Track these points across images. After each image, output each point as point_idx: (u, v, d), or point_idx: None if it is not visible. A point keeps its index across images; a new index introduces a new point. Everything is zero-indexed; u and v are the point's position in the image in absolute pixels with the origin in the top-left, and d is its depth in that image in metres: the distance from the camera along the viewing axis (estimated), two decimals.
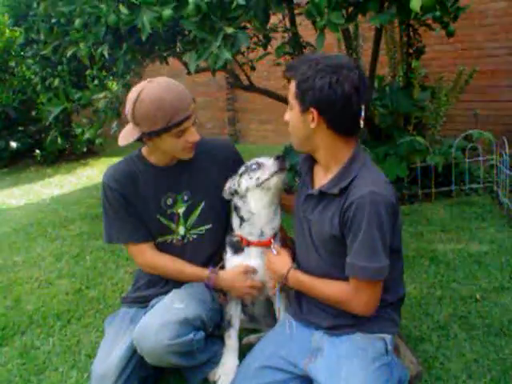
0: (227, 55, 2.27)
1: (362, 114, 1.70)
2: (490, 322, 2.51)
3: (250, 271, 2.16)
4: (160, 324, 1.90)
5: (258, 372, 1.89)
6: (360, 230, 1.66)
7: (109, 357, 2.01)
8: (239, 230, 2.15)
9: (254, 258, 2.15)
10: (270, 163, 2.03)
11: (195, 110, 2.04)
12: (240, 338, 2.40)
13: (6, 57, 7.18)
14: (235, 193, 2.13)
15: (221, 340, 2.23)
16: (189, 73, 4.16)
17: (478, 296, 2.76)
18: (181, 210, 2.19)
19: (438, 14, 2.59)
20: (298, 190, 2.05)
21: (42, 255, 3.99)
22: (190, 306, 2.00)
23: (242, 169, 2.14)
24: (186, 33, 2.91)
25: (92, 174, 7.48)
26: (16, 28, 4.28)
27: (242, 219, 2.13)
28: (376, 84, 5.00)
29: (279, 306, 2.15)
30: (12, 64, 6.92)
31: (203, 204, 2.21)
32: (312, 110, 1.69)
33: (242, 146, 8.30)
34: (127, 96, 2.00)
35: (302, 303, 2.00)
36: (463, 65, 5.17)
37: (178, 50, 3.60)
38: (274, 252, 2.08)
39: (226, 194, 2.17)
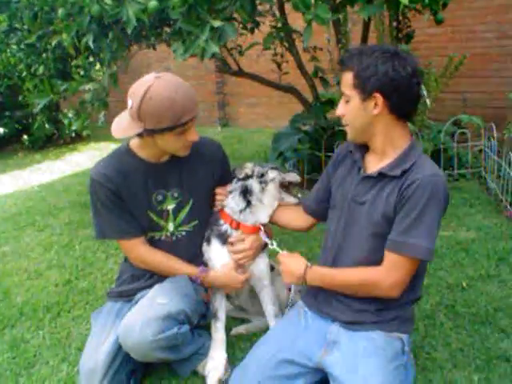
0: (215, 48, 2.24)
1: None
2: (475, 310, 2.55)
3: (238, 267, 2.18)
4: (143, 320, 1.91)
5: (273, 364, 1.88)
6: (416, 207, 1.69)
7: (96, 352, 2.03)
8: (237, 214, 2.17)
9: (240, 242, 2.18)
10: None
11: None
12: (229, 329, 2.43)
13: None
14: (260, 176, 2.17)
15: (207, 331, 2.25)
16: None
17: (464, 284, 2.80)
18: (170, 207, 2.19)
19: (426, 1, 2.56)
20: (339, 180, 2.02)
21: (30, 245, 3.98)
22: (173, 301, 2.01)
23: (272, 164, 2.27)
24: (173, 21, 2.85)
25: (81, 159, 7.41)
26: None
27: (248, 204, 2.17)
28: None
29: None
30: None
31: (192, 201, 2.21)
32: (376, 95, 1.73)
33: (232, 130, 8.28)
34: (132, 88, 1.96)
35: (319, 293, 1.99)
36: (453, 48, 5.16)
37: (165, 36, 3.54)
38: (264, 238, 2.18)
39: (242, 172, 2.18)
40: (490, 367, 2.14)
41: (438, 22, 3.14)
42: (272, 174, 2.20)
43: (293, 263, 1.97)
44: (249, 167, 2.20)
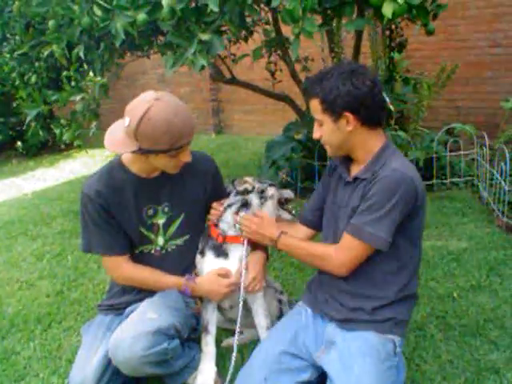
0: (203, 61, 2.25)
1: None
2: (466, 321, 2.55)
3: (223, 273, 2.18)
4: (133, 336, 1.91)
5: (277, 357, 1.93)
6: (372, 197, 1.80)
7: (86, 366, 2.03)
8: (231, 228, 2.17)
9: (233, 257, 2.18)
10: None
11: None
12: (220, 341, 2.42)
13: None
14: (260, 192, 2.19)
15: (198, 344, 2.24)
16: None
17: (455, 295, 2.81)
18: (161, 221, 2.19)
19: (414, 12, 2.58)
20: (331, 189, 2.12)
21: (22, 255, 3.96)
22: (163, 316, 2.01)
23: (270, 181, 2.31)
24: (166, 31, 2.86)
25: (75, 167, 7.41)
26: None
27: None
28: None
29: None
30: None
31: (182, 216, 2.22)
32: (346, 114, 1.82)
33: (226, 137, 8.29)
34: (129, 107, 1.96)
35: (318, 293, 2.07)
36: (446, 56, 5.18)
37: (157, 46, 3.55)
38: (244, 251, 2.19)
39: (242, 186, 2.19)
40: (480, 379, 2.14)
41: (429, 33, 3.15)
42: (271, 191, 2.23)
43: (267, 226, 2.08)
44: (249, 182, 2.21)
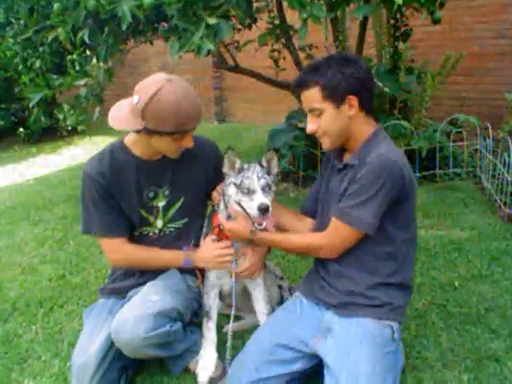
0: (210, 45, 2.24)
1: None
2: (467, 310, 2.56)
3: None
4: (136, 317, 1.92)
5: (270, 348, 1.96)
6: (358, 181, 1.84)
7: (88, 348, 2.04)
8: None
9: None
10: (255, 210, 1.94)
11: None
12: (221, 327, 2.43)
13: None
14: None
15: (199, 328, 2.25)
16: None
17: (456, 284, 2.82)
18: (161, 204, 2.20)
19: (422, 1, 2.56)
20: (326, 178, 2.14)
21: (24, 240, 3.97)
22: (165, 298, 2.02)
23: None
24: (170, 17, 2.85)
25: (76, 153, 7.40)
26: None
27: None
28: None
29: (235, 303, 2.18)
30: None
31: (182, 199, 2.22)
32: (349, 97, 1.86)
33: (229, 125, 8.26)
34: (141, 84, 1.95)
35: (314, 282, 2.09)
36: (450, 47, 5.15)
37: (161, 32, 3.52)
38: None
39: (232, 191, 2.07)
40: (480, 367, 2.15)
41: (436, 22, 3.13)
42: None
43: (238, 227, 2.03)
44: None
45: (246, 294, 2.42)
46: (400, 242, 1.93)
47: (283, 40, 4.60)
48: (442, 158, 4.54)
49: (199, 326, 2.27)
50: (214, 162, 2.25)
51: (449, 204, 3.99)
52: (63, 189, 5.42)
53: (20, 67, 4.46)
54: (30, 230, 4.20)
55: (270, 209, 1.92)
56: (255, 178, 1.98)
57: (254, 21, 3.98)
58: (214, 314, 2.23)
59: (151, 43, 4.16)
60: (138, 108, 1.91)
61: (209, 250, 2.16)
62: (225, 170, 2.09)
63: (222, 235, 2.14)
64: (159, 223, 2.23)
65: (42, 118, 7.67)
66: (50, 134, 8.51)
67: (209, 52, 2.39)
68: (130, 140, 2.15)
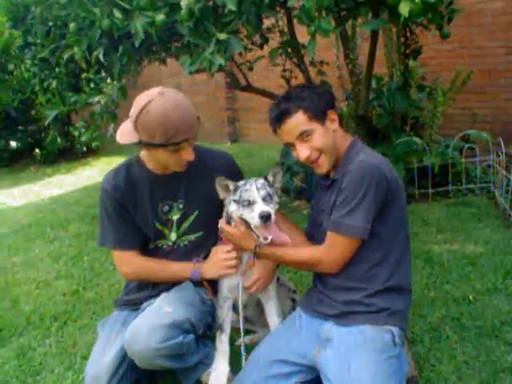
0: (220, 61, 2.29)
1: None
2: (481, 323, 2.53)
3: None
4: (149, 328, 1.93)
5: (267, 365, 1.97)
6: (344, 191, 1.88)
7: (101, 359, 2.05)
8: None
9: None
10: (256, 219, 1.95)
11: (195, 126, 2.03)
12: (234, 340, 2.43)
13: (6, 57, 7.21)
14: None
15: (212, 341, 2.25)
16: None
17: (470, 297, 2.78)
18: (175, 217, 2.22)
19: (429, 15, 2.59)
20: (318, 200, 2.19)
21: (40, 256, 4.02)
22: (178, 310, 2.03)
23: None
24: (182, 36, 2.92)
25: (92, 173, 7.50)
26: (14, 30, 4.30)
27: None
28: (374, 84, 5.01)
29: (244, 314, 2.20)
30: (11, 65, 6.96)
31: (196, 213, 2.24)
32: (329, 112, 1.96)
33: (242, 146, 8.33)
34: (137, 98, 2.00)
35: (313, 296, 2.10)
36: (461, 64, 5.17)
37: (173, 50, 3.60)
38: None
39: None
40: (496, 380, 2.12)
41: (444, 37, 3.15)
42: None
43: (243, 240, 2.06)
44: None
45: (259, 308, 2.43)
46: (393, 244, 1.95)
47: (295, 59, 4.66)
48: (454, 173, 4.52)
49: (212, 338, 2.27)
50: (229, 175, 2.22)
51: (462, 219, 3.96)
52: (78, 207, 5.49)
53: (37, 88, 4.57)
54: (45, 247, 4.25)
55: (273, 217, 1.94)
56: (254, 189, 2.00)
57: (266, 40, 4.05)
58: (227, 327, 2.24)
59: (164, 63, 4.25)
60: (132, 121, 1.96)
61: (213, 255, 2.19)
62: (221, 196, 2.12)
63: (227, 242, 2.17)
64: (173, 236, 2.25)
65: (58, 139, 7.83)
66: (65, 155, 8.65)
67: (220, 67, 2.44)
68: (144, 154, 2.20)
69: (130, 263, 2.22)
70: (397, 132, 4.67)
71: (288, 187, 5.05)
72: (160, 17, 2.38)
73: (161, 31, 2.63)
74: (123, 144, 2.02)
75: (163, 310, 2.03)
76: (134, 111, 1.96)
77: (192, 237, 2.27)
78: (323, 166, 2.00)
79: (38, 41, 3.58)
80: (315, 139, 1.94)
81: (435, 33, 3.16)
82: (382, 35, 4.90)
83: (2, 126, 8.11)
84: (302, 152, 1.96)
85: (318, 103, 1.93)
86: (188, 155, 2.06)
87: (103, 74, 3.79)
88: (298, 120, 1.93)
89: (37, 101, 4.87)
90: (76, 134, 3.81)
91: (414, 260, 3.29)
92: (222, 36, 2.25)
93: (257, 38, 4.30)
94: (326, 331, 1.96)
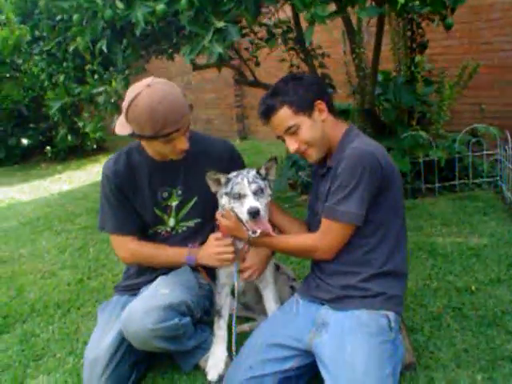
0: (219, 49, 2.30)
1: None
2: (483, 313, 2.51)
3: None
4: (145, 309, 1.95)
5: (264, 348, 1.98)
6: (338, 177, 1.89)
7: (100, 342, 2.08)
8: None
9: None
10: (245, 214, 1.95)
11: (191, 117, 2.05)
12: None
13: (17, 54, 7.29)
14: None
15: (211, 327, 2.27)
16: (194, 68, 4.20)
17: (473, 288, 2.76)
18: (174, 203, 2.25)
19: (428, 1, 2.58)
20: (315, 188, 2.21)
21: (46, 248, 4.08)
22: (175, 292, 2.05)
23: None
24: (183, 28, 2.95)
25: (101, 170, 7.56)
26: (23, 26, 4.35)
27: None
28: (380, 79, 4.99)
29: (236, 283, 2.18)
30: (20, 61, 7.03)
31: (195, 199, 2.26)
32: (317, 102, 1.96)
33: (251, 143, 8.34)
34: (128, 90, 2.01)
35: (311, 281, 2.11)
36: (470, 60, 5.14)
37: (175, 41, 3.61)
38: None
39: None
40: (495, 367, 2.10)
41: (448, 28, 3.14)
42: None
43: (236, 231, 2.07)
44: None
45: (258, 294, 2.44)
46: (389, 230, 1.96)
47: (301, 55, 4.66)
48: (461, 168, 4.49)
49: (210, 324, 2.28)
50: (228, 161, 2.26)
51: (468, 213, 3.93)
52: (86, 202, 5.56)
53: (46, 83, 4.62)
54: (52, 239, 4.31)
55: (262, 213, 1.94)
56: (245, 182, 1.99)
57: (273, 35, 4.06)
58: (225, 313, 2.25)
59: (172, 58, 4.27)
60: (124, 114, 1.98)
61: (210, 246, 2.18)
62: (213, 190, 2.12)
63: (225, 232, 2.16)
64: (172, 222, 2.27)
65: (69, 137, 7.91)
66: (76, 152, 8.74)
67: (220, 57, 2.45)
68: (143, 142, 2.22)
69: (128, 248, 2.24)
70: (403, 126, 4.64)
71: (295, 182, 5.05)
72: (160, 6, 2.41)
73: (162, 22, 2.66)
74: (131, 139, 2.05)
75: (159, 292, 2.05)
76: (124, 104, 1.97)
77: (191, 223, 2.28)
78: (312, 157, 2.03)
79: (45, 34, 3.63)
80: (302, 133, 1.96)
81: (438, 23, 3.15)
82: (389, 30, 4.88)
83: (14, 124, 8.23)
84: (291, 145, 1.99)
85: (304, 95, 1.94)
86: (181, 144, 2.05)
87: (107, 70, 3.81)
88: (284, 115, 1.94)
89: (46, 96, 4.92)
90: (81, 125, 3.85)
91: (418, 252, 3.28)
92: (220, 24, 2.27)
93: (264, 34, 4.31)
94: (322, 316, 1.97)
